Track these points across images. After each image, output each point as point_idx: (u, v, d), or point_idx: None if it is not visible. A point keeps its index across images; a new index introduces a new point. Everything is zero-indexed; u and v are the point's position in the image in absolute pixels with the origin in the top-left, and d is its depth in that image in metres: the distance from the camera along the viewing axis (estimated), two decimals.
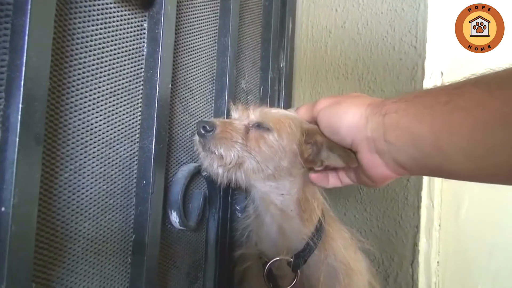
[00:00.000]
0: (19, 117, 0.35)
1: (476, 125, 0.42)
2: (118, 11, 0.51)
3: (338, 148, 0.58)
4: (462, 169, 0.45)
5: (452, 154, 0.45)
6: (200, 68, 0.71)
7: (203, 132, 0.62)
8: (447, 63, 0.94)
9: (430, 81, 0.90)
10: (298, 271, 0.66)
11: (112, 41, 0.51)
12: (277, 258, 0.66)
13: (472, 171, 0.45)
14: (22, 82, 0.35)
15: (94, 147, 0.49)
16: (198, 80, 0.70)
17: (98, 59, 0.49)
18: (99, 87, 0.49)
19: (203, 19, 0.70)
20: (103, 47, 0.49)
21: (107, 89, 0.50)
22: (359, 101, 0.56)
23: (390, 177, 0.56)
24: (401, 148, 0.49)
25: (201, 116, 0.72)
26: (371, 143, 0.52)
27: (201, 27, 0.70)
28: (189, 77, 0.68)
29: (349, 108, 0.55)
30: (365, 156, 0.54)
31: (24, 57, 0.35)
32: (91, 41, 0.47)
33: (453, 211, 0.94)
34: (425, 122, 0.47)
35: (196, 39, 0.69)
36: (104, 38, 0.49)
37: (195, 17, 0.68)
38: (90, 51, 0.47)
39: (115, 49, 0.51)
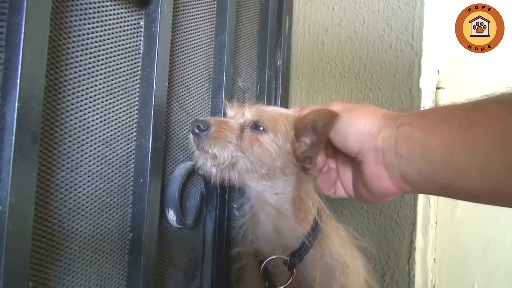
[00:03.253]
0: (16, 115, 0.35)
1: (495, 141, 0.40)
2: (114, 9, 0.51)
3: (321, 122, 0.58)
4: (475, 187, 0.43)
5: (466, 170, 0.42)
6: (197, 66, 0.71)
7: (197, 131, 0.62)
8: (444, 61, 0.94)
9: (426, 79, 0.90)
10: (294, 269, 0.66)
11: (108, 39, 0.50)
12: (273, 257, 0.66)
13: (487, 190, 0.42)
14: (18, 81, 0.35)
15: (91, 146, 0.49)
16: (195, 78, 0.70)
17: (94, 57, 0.48)
18: (96, 86, 0.49)
19: (200, 17, 0.70)
20: (99, 45, 0.49)
21: (103, 88, 0.50)
22: (374, 110, 0.54)
23: (392, 193, 0.53)
24: (411, 161, 0.47)
25: (198, 114, 0.72)
26: (380, 154, 0.51)
27: (198, 25, 0.70)
28: (186, 75, 0.68)
29: (363, 116, 0.53)
30: (369, 167, 0.52)
31: (20, 56, 0.35)
32: (88, 39, 0.47)
33: (449, 209, 0.94)
34: (439, 136, 0.45)
35: (193, 37, 0.69)
36: (100, 36, 0.49)
37: (192, 15, 0.68)
38: (87, 49, 0.47)
39: (111, 47, 0.51)
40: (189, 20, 0.67)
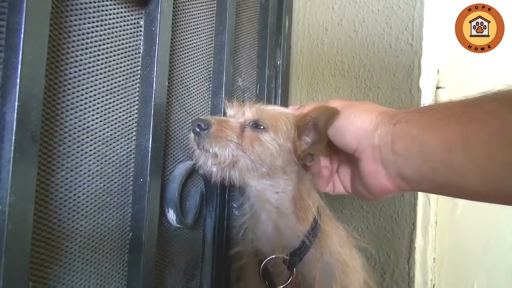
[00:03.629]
0: (15, 115, 0.35)
1: (493, 139, 0.39)
2: (114, 9, 0.51)
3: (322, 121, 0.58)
4: (473, 186, 0.42)
5: (464, 169, 0.42)
6: (197, 66, 0.71)
7: (198, 130, 0.62)
8: (444, 60, 0.94)
9: (426, 79, 0.90)
10: (294, 269, 0.66)
11: (108, 38, 0.50)
12: (273, 256, 0.66)
13: (486, 189, 0.42)
14: (18, 80, 0.35)
15: (91, 145, 0.49)
16: (195, 78, 0.70)
17: (94, 56, 0.48)
18: (96, 85, 0.49)
19: (200, 16, 0.70)
20: (99, 45, 0.49)
21: (103, 87, 0.50)
22: (372, 107, 0.54)
23: (389, 191, 0.53)
24: (408, 159, 0.47)
25: (198, 113, 0.72)
26: (377, 151, 0.50)
27: (197, 24, 0.70)
28: (186, 74, 0.68)
29: (361, 113, 0.53)
30: (367, 164, 0.52)
31: (20, 55, 0.35)
32: (87, 38, 0.47)
33: (449, 208, 0.94)
34: (437, 133, 0.44)
35: (193, 36, 0.69)
36: (100, 35, 0.49)
37: (192, 15, 0.68)
38: (86, 48, 0.47)
39: (111, 47, 0.51)
40: (189, 19, 0.67)
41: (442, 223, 0.93)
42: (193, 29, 0.68)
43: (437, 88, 0.93)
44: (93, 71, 0.48)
